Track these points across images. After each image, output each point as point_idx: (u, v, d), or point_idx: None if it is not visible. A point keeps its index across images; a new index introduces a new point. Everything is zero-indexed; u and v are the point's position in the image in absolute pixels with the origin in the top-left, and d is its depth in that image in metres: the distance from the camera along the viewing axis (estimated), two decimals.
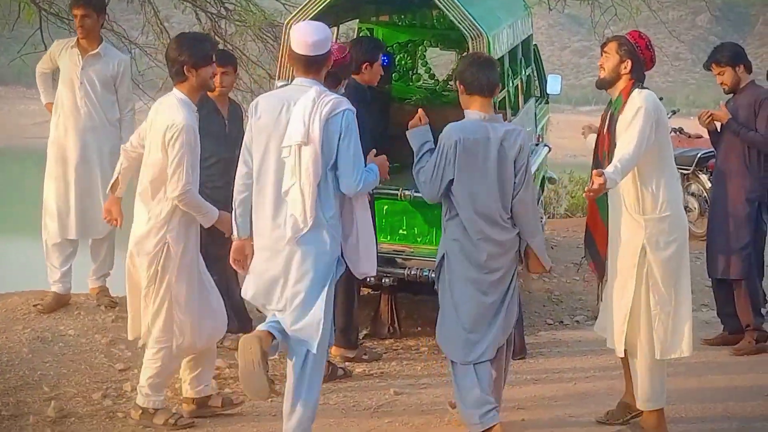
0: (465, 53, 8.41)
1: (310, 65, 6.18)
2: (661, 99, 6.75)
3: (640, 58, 6.53)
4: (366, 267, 6.43)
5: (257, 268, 6.28)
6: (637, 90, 6.50)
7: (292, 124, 6.06)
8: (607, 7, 12.32)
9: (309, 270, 6.13)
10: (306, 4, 8.49)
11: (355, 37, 10.40)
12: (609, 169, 6.23)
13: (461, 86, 6.52)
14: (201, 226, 6.71)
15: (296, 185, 6.05)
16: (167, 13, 13.88)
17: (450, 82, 10.37)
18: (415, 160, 6.63)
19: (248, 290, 6.34)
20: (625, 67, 6.52)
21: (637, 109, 6.39)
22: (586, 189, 6.30)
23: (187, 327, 6.61)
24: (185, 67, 6.46)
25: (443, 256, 6.57)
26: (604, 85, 6.66)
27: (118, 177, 6.87)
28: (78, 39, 8.75)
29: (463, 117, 6.57)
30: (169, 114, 6.46)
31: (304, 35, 6.16)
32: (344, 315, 8.10)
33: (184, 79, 6.51)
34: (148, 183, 6.55)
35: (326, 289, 6.17)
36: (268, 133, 6.13)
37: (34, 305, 8.62)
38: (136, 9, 13.38)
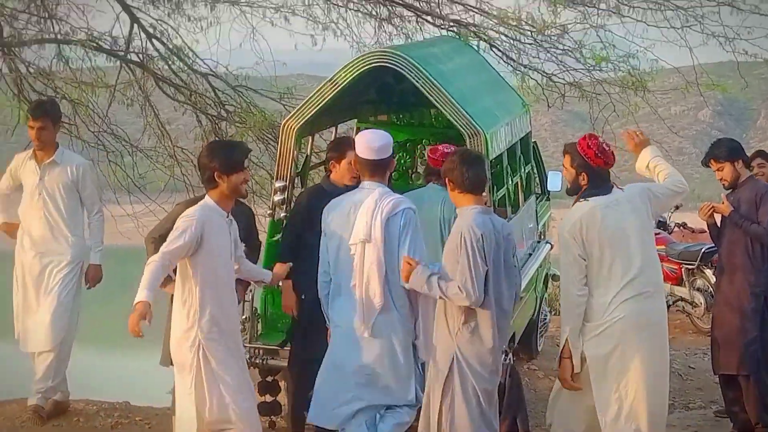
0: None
1: (376, 168, 6.83)
2: None
3: (593, 167, 6.83)
4: (423, 353, 6.79)
5: (335, 360, 6.77)
6: (575, 204, 6.92)
7: (357, 224, 6.70)
8: (605, 104, 12.32)
9: (384, 357, 6.65)
10: (303, 105, 8.49)
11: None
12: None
13: (450, 184, 6.56)
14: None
15: (359, 280, 6.62)
16: (168, 116, 13.90)
17: None
18: (435, 287, 6.44)
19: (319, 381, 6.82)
20: (583, 179, 6.88)
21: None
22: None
23: (244, 411, 6.65)
24: (216, 173, 6.54)
25: (453, 360, 6.47)
26: (572, 193, 7.01)
27: None
28: (34, 150, 8.58)
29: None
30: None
31: (369, 142, 6.84)
32: None
33: (215, 186, 6.59)
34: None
35: (413, 374, 6.76)
36: (340, 233, 6.75)
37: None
38: (137, 112, 13.41)
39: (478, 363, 6.39)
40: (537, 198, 11.01)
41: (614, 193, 6.87)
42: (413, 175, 10.43)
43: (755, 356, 8.33)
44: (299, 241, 7.87)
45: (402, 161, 10.36)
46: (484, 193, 6.62)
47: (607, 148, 6.90)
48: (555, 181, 11.12)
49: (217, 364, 6.55)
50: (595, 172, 6.83)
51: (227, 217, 6.68)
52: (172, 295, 6.95)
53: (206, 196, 6.66)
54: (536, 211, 10.75)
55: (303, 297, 7.84)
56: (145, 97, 13.02)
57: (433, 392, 6.53)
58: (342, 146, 8.08)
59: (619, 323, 6.76)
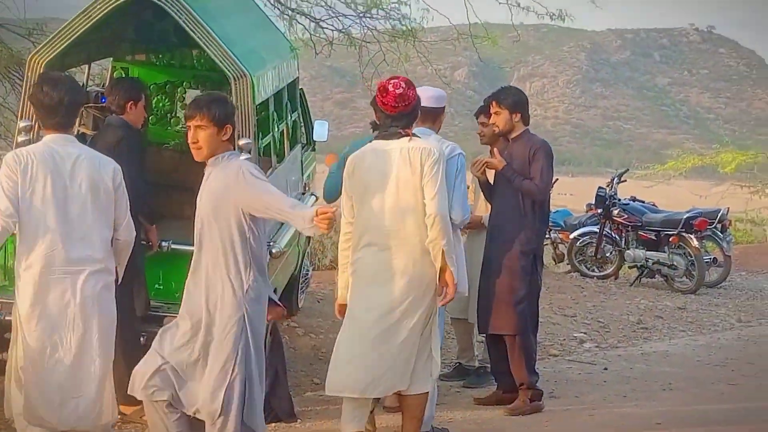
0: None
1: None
2: None
3: (378, 106, 6.77)
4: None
5: None
6: None
7: None
8: (375, 53, 11.95)
9: None
10: (52, 39, 7.76)
11: (108, 76, 9.71)
12: None
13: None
14: None
15: None
16: None
17: None
18: None
19: None
20: (378, 119, 7.00)
21: None
22: None
23: None
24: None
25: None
26: None
27: None
28: None
29: None
30: None
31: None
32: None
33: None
34: None
35: None
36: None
37: None
38: None
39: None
40: (303, 148, 10.57)
41: (399, 140, 6.57)
42: (172, 120, 9.82)
43: (523, 316, 8.13)
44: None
45: (161, 105, 9.73)
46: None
47: (391, 88, 6.63)
48: (322, 131, 10.73)
49: None
50: (380, 111, 6.73)
51: None
52: None
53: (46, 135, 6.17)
54: (302, 161, 10.31)
55: None
56: None
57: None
58: (141, 88, 8.09)
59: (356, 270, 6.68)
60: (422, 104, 7.05)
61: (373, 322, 6.60)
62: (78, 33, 7.65)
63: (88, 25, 7.65)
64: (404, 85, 6.63)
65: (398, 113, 6.62)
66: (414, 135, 6.66)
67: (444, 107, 7.70)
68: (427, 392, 6.77)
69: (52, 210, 6.12)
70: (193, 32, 7.63)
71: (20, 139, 7.67)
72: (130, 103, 7.85)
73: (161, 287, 7.95)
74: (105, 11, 7.63)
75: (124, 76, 9.49)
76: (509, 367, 8.24)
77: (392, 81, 6.68)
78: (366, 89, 12.43)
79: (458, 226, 7.20)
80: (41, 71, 7.63)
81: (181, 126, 9.82)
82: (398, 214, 6.56)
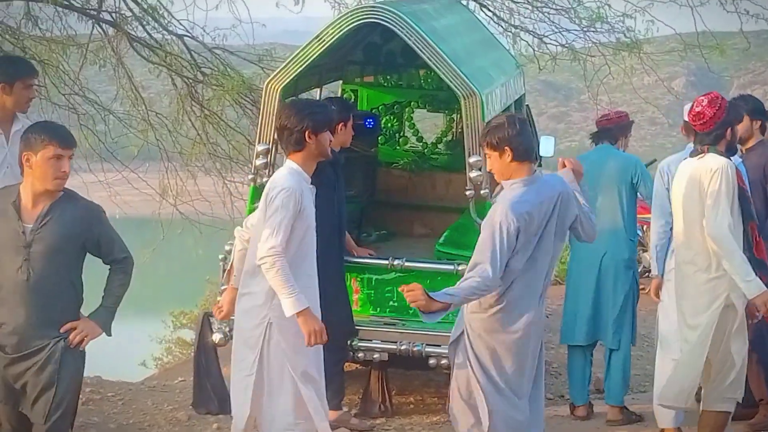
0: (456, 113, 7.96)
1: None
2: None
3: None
4: None
5: None
6: None
7: None
8: (600, 66, 11.88)
9: None
10: (287, 65, 8.03)
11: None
12: None
13: (511, 153, 5.83)
14: None
15: None
16: (141, 80, 13.40)
17: (439, 145, 9.96)
18: None
19: None
20: None
21: None
22: None
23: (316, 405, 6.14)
24: (306, 133, 6.12)
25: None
26: None
27: (232, 263, 6.46)
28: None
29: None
30: (274, 179, 6.18)
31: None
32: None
33: (301, 148, 6.14)
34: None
35: None
36: None
37: None
38: (110, 76, 12.88)
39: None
40: None
41: (695, 158, 6.70)
42: (401, 140, 10.00)
43: (759, 330, 7.95)
44: None
45: (390, 125, 9.93)
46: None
47: (694, 105, 6.70)
48: (548, 147, 10.69)
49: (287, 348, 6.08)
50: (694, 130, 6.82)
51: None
52: None
53: (287, 161, 6.19)
54: None
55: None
56: (118, 59, 12.51)
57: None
58: (348, 108, 8.07)
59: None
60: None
61: (674, 338, 7.00)
62: (311, 58, 7.89)
63: (321, 49, 7.87)
64: (705, 103, 6.63)
65: (698, 131, 6.70)
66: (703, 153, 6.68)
67: None
68: (728, 412, 6.92)
69: None
70: (423, 53, 7.76)
71: (258, 162, 7.96)
72: (340, 125, 7.80)
73: (396, 304, 8.10)
74: (337, 36, 7.84)
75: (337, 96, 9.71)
76: (747, 382, 8.08)
77: (699, 98, 6.74)
78: (589, 103, 12.35)
79: None
80: (278, 96, 7.89)
81: (409, 145, 10.01)
82: (689, 231, 6.68)
